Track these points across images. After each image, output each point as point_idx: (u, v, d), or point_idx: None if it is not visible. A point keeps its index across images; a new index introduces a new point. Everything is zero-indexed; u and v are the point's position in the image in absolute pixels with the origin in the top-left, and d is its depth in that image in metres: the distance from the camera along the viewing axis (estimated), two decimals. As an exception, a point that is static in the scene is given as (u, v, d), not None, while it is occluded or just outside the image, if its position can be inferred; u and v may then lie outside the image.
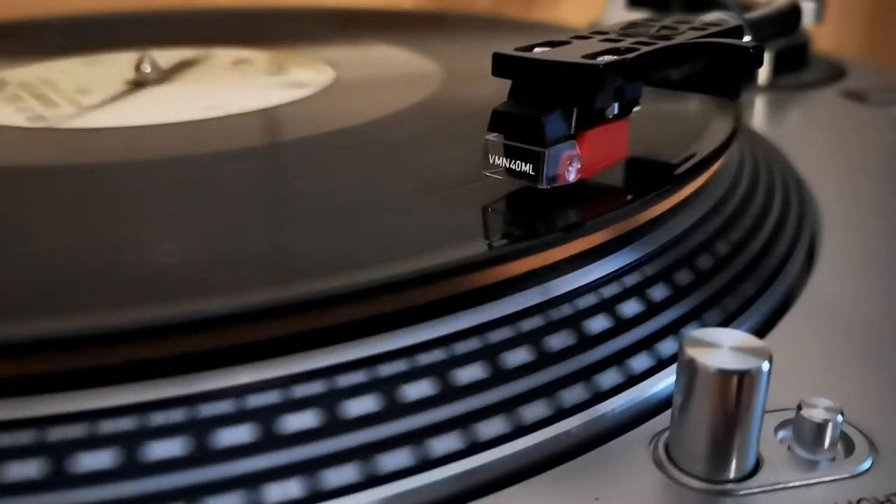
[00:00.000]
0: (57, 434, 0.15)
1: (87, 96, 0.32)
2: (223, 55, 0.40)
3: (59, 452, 0.15)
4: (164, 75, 0.35)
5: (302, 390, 0.16)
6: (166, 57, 0.37)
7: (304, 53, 0.39)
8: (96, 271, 0.18)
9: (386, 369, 0.17)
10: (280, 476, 0.15)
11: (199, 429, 0.15)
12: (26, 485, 0.14)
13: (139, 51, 0.35)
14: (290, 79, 0.34)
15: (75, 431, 0.15)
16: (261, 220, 0.21)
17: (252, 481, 0.15)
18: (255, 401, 0.16)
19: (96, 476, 0.15)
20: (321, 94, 0.32)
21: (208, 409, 0.16)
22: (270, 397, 0.16)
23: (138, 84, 0.34)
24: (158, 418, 0.15)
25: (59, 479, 0.14)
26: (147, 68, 0.34)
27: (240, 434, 0.15)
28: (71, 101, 0.32)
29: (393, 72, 0.36)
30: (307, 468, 0.15)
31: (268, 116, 0.29)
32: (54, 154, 0.27)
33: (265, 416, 0.16)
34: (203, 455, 0.15)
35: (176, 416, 0.15)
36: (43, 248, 0.19)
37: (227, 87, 0.34)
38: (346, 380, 0.16)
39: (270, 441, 0.15)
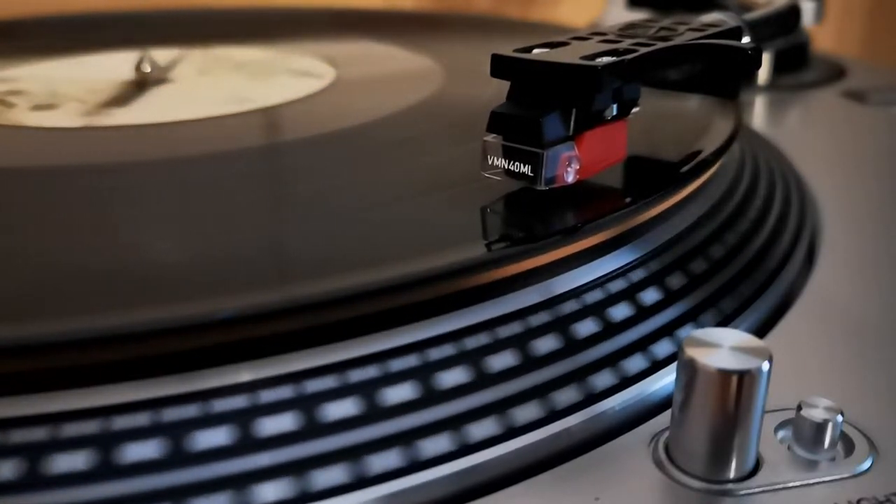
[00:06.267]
0: (35, 435, 0.15)
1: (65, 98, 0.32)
2: (223, 55, 0.40)
3: (35, 453, 0.15)
4: (164, 75, 0.35)
5: (290, 391, 0.16)
6: (166, 57, 0.37)
7: (305, 53, 0.39)
8: (94, 272, 0.18)
9: (386, 369, 0.17)
10: (267, 476, 0.15)
11: (178, 430, 0.15)
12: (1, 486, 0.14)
13: (139, 50, 0.35)
14: (291, 79, 0.34)
15: (66, 430, 0.15)
16: (259, 220, 0.21)
17: (238, 480, 0.15)
18: (245, 401, 0.16)
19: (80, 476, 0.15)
20: (321, 94, 0.32)
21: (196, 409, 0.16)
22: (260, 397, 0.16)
23: (138, 83, 0.34)
24: (143, 419, 0.15)
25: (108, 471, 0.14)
26: (147, 68, 0.34)
27: (218, 436, 0.15)
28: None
29: (393, 72, 0.36)
30: (295, 468, 0.15)
31: (268, 116, 0.29)
32: (54, 154, 0.27)
33: (245, 416, 0.16)
34: (185, 456, 0.15)
35: (165, 416, 0.15)
36: (41, 249, 0.19)
37: (226, 87, 0.34)
38: (349, 378, 0.16)
39: (251, 443, 0.15)
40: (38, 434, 0.15)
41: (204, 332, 0.16)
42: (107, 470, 0.15)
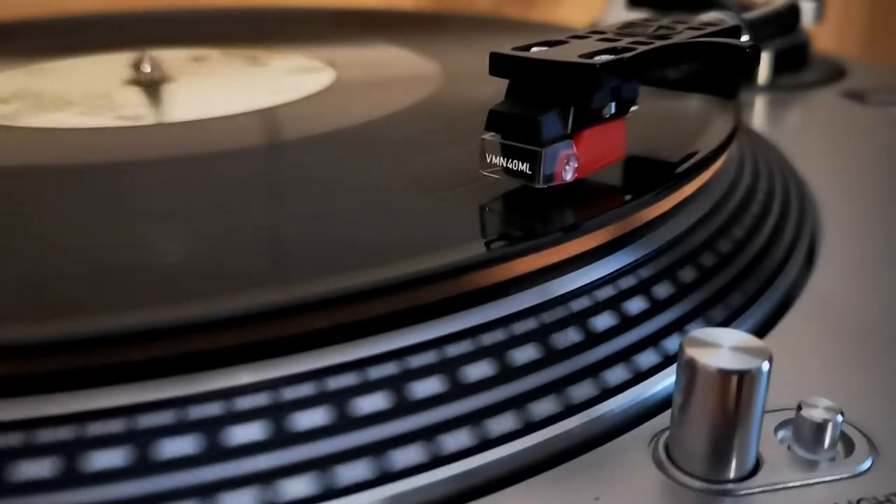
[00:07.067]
0: (73, 433, 0.15)
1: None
2: (223, 55, 0.40)
3: (74, 451, 0.15)
4: (163, 75, 0.35)
5: (309, 389, 0.16)
6: (166, 57, 0.37)
7: (305, 53, 0.39)
8: (97, 271, 0.18)
9: (380, 372, 0.17)
10: (290, 473, 0.15)
11: (213, 426, 0.15)
12: (39, 484, 0.14)
13: (139, 51, 0.35)
14: (290, 78, 0.34)
15: (93, 429, 0.15)
16: (259, 220, 0.21)
17: (265, 478, 0.15)
18: (267, 399, 0.16)
19: (112, 474, 0.15)
20: (321, 94, 0.32)
21: (219, 408, 0.16)
22: (280, 396, 0.16)
23: (138, 83, 0.34)
24: (167, 417, 0.15)
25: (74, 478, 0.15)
26: (147, 68, 0.34)
27: (252, 431, 0.15)
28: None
29: (393, 72, 0.36)
30: (316, 465, 0.15)
31: (268, 116, 0.29)
32: (54, 154, 0.27)
33: (276, 414, 0.16)
34: (218, 452, 0.15)
35: (188, 414, 0.15)
36: (41, 249, 0.19)
37: (227, 87, 0.34)
38: (344, 381, 0.16)
39: (282, 438, 0.16)
40: (67, 433, 0.15)
41: (224, 331, 0.16)
42: (139, 467, 0.15)
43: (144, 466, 0.15)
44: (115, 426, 0.15)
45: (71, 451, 0.15)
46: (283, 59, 0.38)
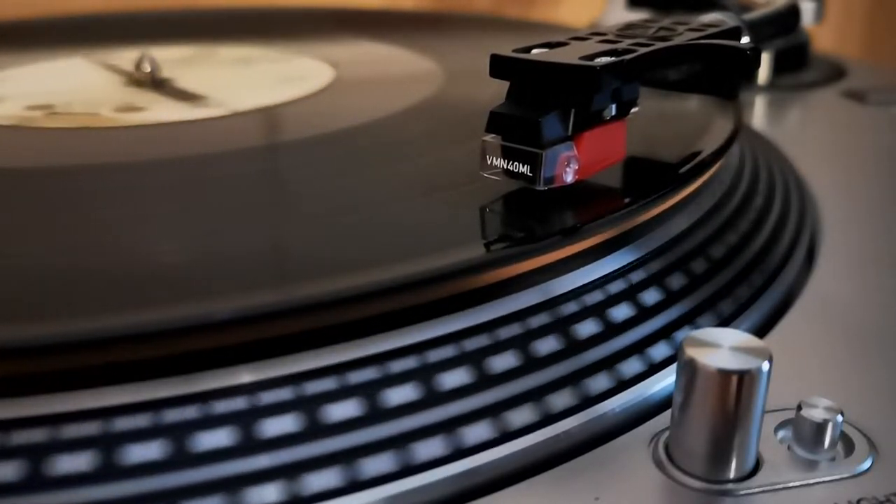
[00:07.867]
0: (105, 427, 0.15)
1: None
2: (223, 55, 0.40)
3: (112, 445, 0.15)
4: (164, 75, 0.35)
5: (334, 383, 0.16)
6: (167, 56, 0.37)
7: (304, 53, 0.39)
8: (95, 272, 0.18)
9: (385, 371, 0.17)
10: (316, 466, 0.15)
11: (247, 420, 0.16)
12: (73, 478, 0.15)
13: (139, 50, 0.35)
14: (290, 79, 0.34)
15: (124, 424, 0.15)
16: (259, 220, 0.21)
17: (291, 471, 0.15)
18: (293, 393, 0.16)
19: (142, 468, 0.15)
20: (321, 94, 0.32)
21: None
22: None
23: (138, 83, 0.34)
24: (196, 411, 0.16)
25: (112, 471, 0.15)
26: (147, 67, 0.34)
27: (280, 425, 0.16)
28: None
29: (393, 72, 0.36)
30: (342, 458, 0.16)
31: (268, 116, 0.29)
32: (51, 155, 0.27)
33: (303, 408, 0.16)
34: (250, 445, 0.15)
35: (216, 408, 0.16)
36: (40, 250, 0.19)
37: (226, 87, 0.34)
38: (368, 375, 0.17)
39: (309, 432, 0.16)
40: (98, 428, 0.15)
41: (252, 327, 0.16)
42: (168, 461, 0.15)
43: (173, 460, 0.15)
44: (144, 420, 0.15)
45: (103, 445, 0.15)
46: (282, 59, 0.38)
